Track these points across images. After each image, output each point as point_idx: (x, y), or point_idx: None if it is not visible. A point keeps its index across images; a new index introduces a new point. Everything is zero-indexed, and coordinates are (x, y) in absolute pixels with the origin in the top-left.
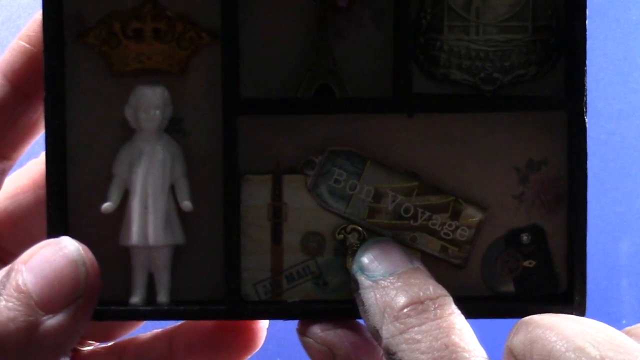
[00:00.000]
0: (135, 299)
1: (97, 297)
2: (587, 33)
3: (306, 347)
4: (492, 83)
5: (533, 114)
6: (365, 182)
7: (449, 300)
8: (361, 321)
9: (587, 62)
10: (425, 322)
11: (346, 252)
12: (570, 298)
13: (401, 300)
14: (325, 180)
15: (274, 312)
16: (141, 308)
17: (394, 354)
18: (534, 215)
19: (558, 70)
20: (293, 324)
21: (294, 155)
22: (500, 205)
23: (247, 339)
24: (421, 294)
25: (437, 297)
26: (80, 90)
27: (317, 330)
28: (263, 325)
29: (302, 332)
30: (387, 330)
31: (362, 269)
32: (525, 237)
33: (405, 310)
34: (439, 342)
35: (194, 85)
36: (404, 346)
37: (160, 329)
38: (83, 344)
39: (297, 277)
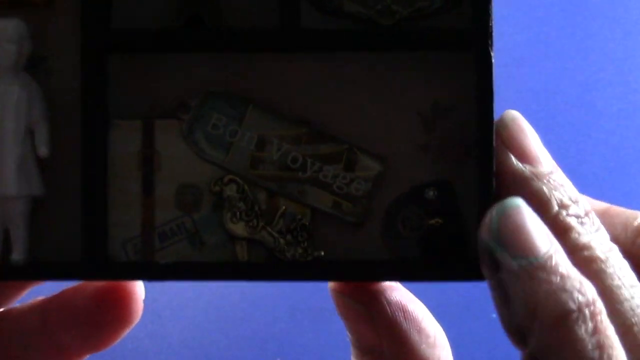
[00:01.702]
0: None
1: None
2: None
3: (339, 304)
4: (391, 16)
5: (438, 53)
6: (247, 128)
7: (600, 305)
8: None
9: (587, 61)
10: (584, 337)
11: (223, 207)
12: None
13: (562, 302)
14: (201, 125)
15: (143, 272)
16: None
17: None
18: (440, 168)
19: (466, 5)
20: (294, 324)
21: (169, 98)
22: (401, 155)
23: (123, 313)
24: (582, 296)
25: (594, 304)
26: None
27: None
28: (140, 297)
29: (337, 288)
30: (540, 339)
31: (503, 245)
32: (430, 193)
33: (569, 317)
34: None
35: (61, 20)
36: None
37: (34, 300)
38: None
39: (171, 235)
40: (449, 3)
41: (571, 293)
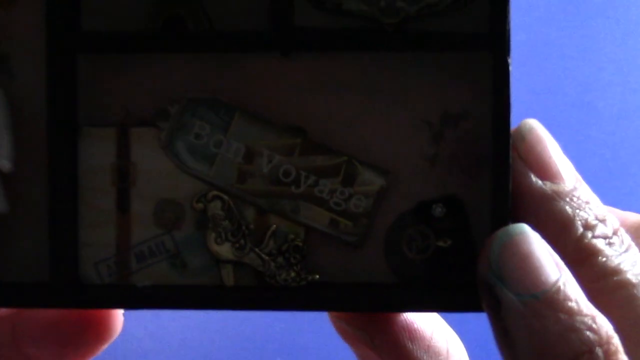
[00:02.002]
0: None
1: None
2: None
3: (338, 329)
4: (395, 14)
5: (449, 56)
6: (233, 138)
7: (617, 344)
8: None
9: (587, 61)
10: None
11: (207, 226)
12: None
13: (571, 343)
14: (183, 135)
15: (119, 298)
16: None
17: None
18: (450, 182)
19: (480, 3)
20: (294, 324)
21: (147, 104)
22: (407, 168)
23: (99, 330)
24: (593, 334)
25: (607, 345)
26: None
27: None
28: (118, 312)
29: (336, 314)
30: None
31: (504, 279)
32: (438, 210)
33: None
34: None
35: (25, 17)
36: None
37: (4, 310)
38: None
39: (149, 256)
40: (461, 0)
41: (582, 332)
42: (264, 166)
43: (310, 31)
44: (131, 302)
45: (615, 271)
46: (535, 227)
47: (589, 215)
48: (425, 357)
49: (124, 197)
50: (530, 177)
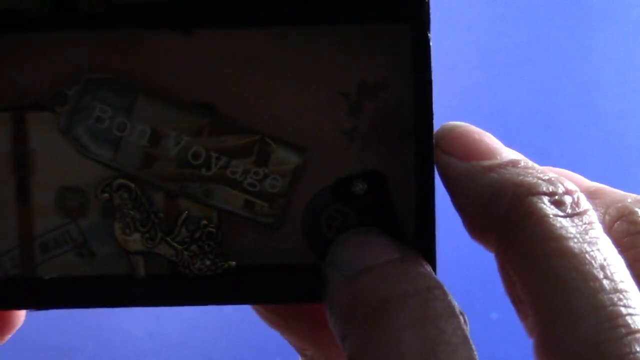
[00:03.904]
0: None
1: None
2: None
3: (261, 317)
4: None
5: (364, 25)
6: (137, 120)
7: (440, 294)
8: None
9: (587, 60)
10: (404, 329)
11: (114, 216)
12: None
13: (373, 297)
14: (83, 118)
15: (25, 294)
16: None
17: None
18: (370, 157)
19: None
20: None
21: (42, 86)
22: (324, 144)
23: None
24: (401, 287)
25: (423, 291)
26: None
27: None
28: None
29: None
30: (353, 340)
31: (335, 265)
32: (359, 186)
33: (379, 312)
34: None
35: None
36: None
37: None
38: None
39: (55, 246)
40: None
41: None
42: (172, 149)
43: (213, 5)
44: (39, 298)
45: (556, 236)
46: (466, 207)
47: (530, 178)
48: None
49: (24, 186)
50: (453, 161)
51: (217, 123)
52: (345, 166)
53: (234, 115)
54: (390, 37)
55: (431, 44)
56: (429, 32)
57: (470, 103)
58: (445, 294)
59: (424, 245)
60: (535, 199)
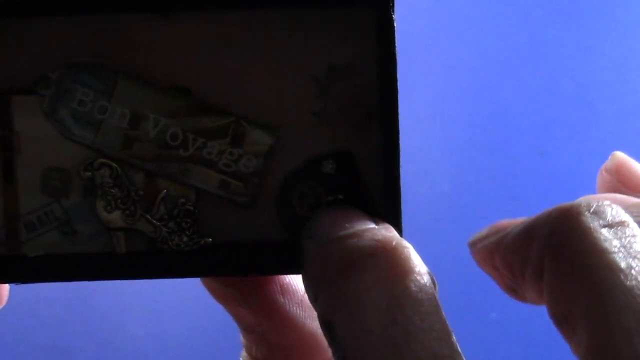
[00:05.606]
0: None
1: None
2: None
3: (209, 287)
4: None
5: (333, 11)
6: (118, 103)
7: (408, 253)
8: None
9: (587, 60)
10: (371, 285)
11: (96, 194)
12: None
13: (343, 258)
14: (66, 102)
15: (11, 269)
16: None
17: (328, 323)
18: (339, 137)
19: None
20: None
21: (26, 70)
22: (295, 125)
23: None
24: (370, 247)
25: (390, 251)
26: None
27: None
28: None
29: None
30: (324, 298)
31: (310, 236)
32: (328, 166)
33: (348, 271)
34: (387, 316)
35: None
36: (341, 317)
37: None
38: None
39: (39, 225)
40: None
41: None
42: (151, 130)
43: None
44: (25, 273)
45: (602, 249)
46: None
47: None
48: (298, 310)
49: (9, 166)
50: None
51: (194, 105)
52: (316, 146)
53: (210, 97)
54: (357, 20)
55: (395, 25)
56: (394, 14)
57: (471, 103)
58: (413, 254)
59: (391, 219)
60: (579, 215)
